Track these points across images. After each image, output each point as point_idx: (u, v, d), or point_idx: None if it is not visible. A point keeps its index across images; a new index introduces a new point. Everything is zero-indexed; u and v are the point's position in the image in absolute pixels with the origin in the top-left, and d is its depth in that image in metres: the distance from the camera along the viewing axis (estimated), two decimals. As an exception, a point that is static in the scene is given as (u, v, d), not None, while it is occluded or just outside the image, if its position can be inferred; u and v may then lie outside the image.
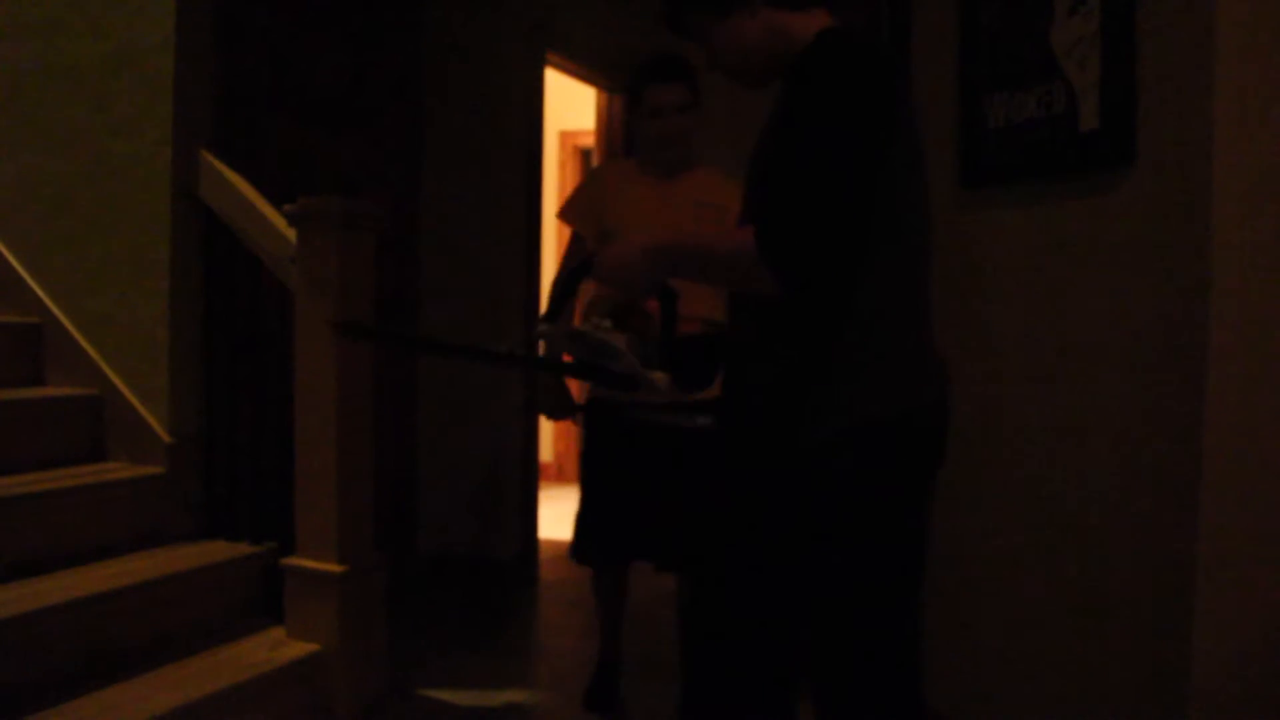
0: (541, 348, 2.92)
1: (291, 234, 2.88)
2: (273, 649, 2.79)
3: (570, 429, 6.80)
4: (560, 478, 6.83)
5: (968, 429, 2.80)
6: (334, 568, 2.81)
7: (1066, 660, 2.48)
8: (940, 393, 1.68)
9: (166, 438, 3.15)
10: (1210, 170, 2.08)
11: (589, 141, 6.53)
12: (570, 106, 6.44)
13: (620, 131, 5.51)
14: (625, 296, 1.83)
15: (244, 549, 3.06)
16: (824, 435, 1.58)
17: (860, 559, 1.61)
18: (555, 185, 6.67)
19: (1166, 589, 2.19)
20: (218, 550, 3.05)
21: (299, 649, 2.81)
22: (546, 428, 6.60)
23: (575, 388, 4.38)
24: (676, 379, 1.65)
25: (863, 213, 1.49)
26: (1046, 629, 2.54)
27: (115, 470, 3.13)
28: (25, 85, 3.41)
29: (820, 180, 1.46)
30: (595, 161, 5.71)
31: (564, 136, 6.84)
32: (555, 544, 4.95)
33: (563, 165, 6.87)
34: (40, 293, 3.38)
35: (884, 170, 1.51)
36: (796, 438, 1.60)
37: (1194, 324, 2.12)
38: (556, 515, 5.48)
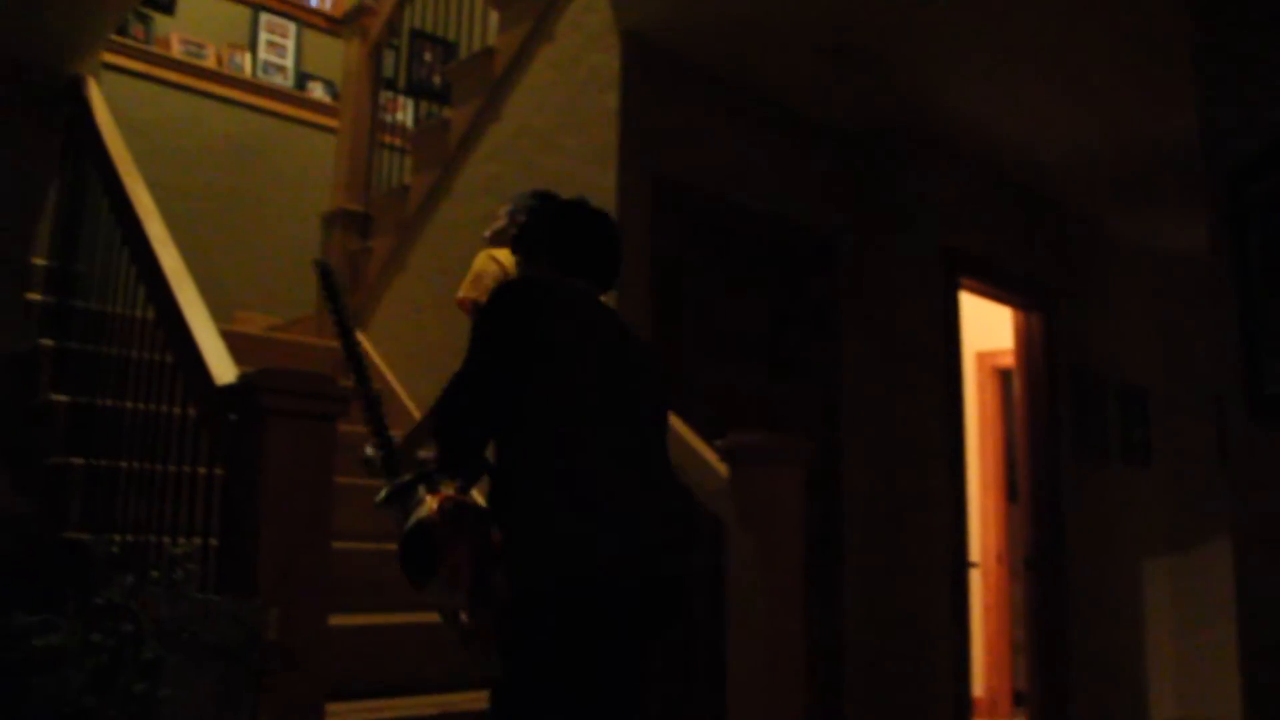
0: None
1: (723, 468, 3.00)
2: None
3: (1003, 658, 6.39)
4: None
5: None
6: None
7: None
8: (610, 564, 1.96)
9: (607, 665, 3.29)
10: None
11: (1008, 361, 6.39)
12: (986, 327, 6.36)
13: (1041, 349, 5.37)
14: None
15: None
16: (523, 587, 1.99)
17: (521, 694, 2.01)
18: (975, 408, 6.54)
19: None
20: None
21: None
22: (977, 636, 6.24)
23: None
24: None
25: (480, 406, 2.08)
26: None
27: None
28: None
29: (452, 383, 2.12)
30: (1016, 383, 5.56)
31: (981, 358, 6.74)
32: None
33: (982, 387, 6.74)
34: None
35: (521, 377, 2.06)
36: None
37: None
38: None
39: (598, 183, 3.75)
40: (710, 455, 3.09)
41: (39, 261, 3.83)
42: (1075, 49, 3.92)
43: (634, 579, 2.00)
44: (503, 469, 2.11)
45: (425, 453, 2.39)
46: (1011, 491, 6.30)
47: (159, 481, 2.77)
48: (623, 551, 1.98)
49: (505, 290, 2.22)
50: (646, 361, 2.33)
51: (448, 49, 5.35)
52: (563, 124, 3.99)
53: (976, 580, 5.96)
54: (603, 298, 2.39)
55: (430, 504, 2.14)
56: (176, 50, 5.80)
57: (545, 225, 2.41)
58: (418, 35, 5.39)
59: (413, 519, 2.16)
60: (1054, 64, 4.07)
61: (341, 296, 2.61)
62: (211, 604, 2.07)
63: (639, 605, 2.03)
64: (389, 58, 5.30)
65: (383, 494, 2.19)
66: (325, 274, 2.67)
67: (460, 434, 2.10)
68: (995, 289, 5.18)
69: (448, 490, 2.16)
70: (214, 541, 2.40)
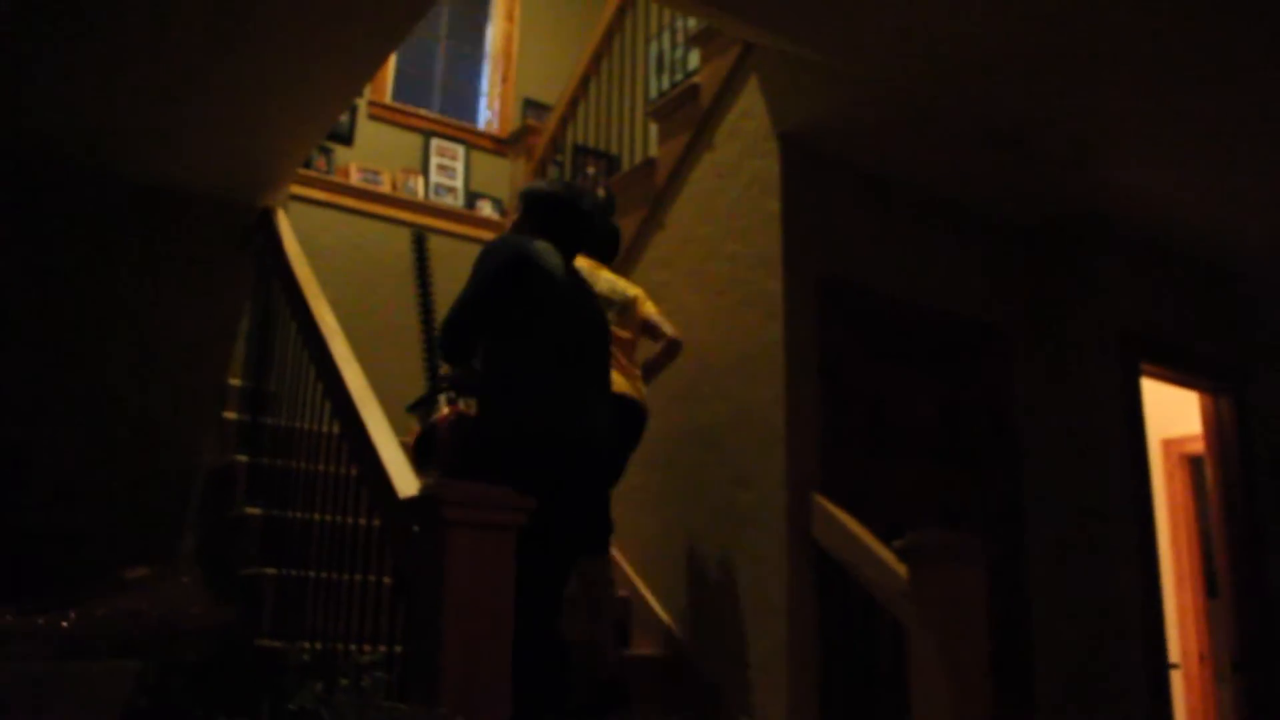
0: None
1: (901, 569, 2.93)
2: None
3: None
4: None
5: None
6: None
7: None
8: (566, 431, 2.85)
9: (789, 773, 3.21)
10: None
11: (1197, 448, 6.08)
12: (1171, 413, 6.08)
13: (1233, 433, 5.09)
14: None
15: None
16: (489, 442, 2.81)
17: None
18: (1164, 497, 6.22)
19: None
20: None
21: None
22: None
23: None
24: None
25: (474, 324, 2.92)
26: None
27: (743, 806, 3.22)
28: (668, 447, 3.89)
29: (455, 306, 2.93)
30: (1208, 470, 5.28)
31: (1167, 445, 6.42)
32: None
33: (1170, 475, 6.42)
34: (673, 629, 3.70)
35: (506, 303, 2.90)
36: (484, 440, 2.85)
37: None
38: None
39: (763, 286, 3.77)
40: (888, 556, 3.02)
41: (234, 382, 4.07)
42: (1252, 122, 3.79)
43: (564, 441, 2.82)
44: (491, 366, 2.89)
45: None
46: (1210, 586, 5.94)
47: (346, 590, 2.87)
48: (560, 423, 2.82)
49: (500, 243, 3.04)
50: (594, 303, 3.13)
51: (610, 162, 5.51)
52: (727, 230, 4.04)
53: (1178, 683, 5.60)
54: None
55: (443, 413, 2.84)
56: (355, 178, 6.13)
57: (537, 205, 3.18)
58: (580, 150, 5.56)
59: (428, 422, 2.94)
60: (1231, 138, 3.93)
61: (429, 265, 3.26)
62: (398, 711, 2.11)
63: (566, 460, 2.82)
64: (553, 173, 5.48)
65: (411, 401, 2.96)
66: (419, 242, 3.33)
67: (456, 346, 2.91)
68: (1179, 372, 4.96)
69: (464, 405, 2.92)
70: (399, 649, 2.46)
